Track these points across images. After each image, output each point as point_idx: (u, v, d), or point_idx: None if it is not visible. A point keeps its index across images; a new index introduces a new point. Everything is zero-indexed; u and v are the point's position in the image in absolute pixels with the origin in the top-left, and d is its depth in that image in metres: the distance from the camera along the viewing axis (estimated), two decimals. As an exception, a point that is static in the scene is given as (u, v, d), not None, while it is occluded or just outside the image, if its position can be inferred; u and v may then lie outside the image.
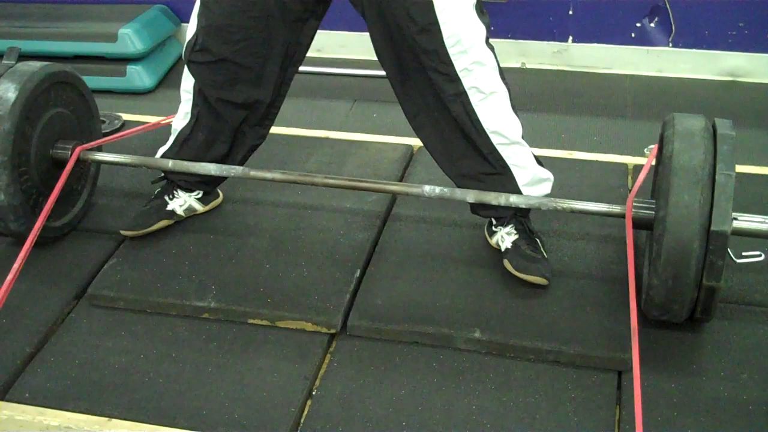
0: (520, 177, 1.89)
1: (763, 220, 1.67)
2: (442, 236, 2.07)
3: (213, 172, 1.95)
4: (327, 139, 2.58)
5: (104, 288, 1.91)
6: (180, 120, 2.05)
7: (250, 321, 1.83)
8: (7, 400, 1.65)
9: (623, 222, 1.73)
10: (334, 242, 2.04)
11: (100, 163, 2.13)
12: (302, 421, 1.60)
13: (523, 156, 1.89)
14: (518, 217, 1.93)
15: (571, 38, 3.35)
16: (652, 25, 3.25)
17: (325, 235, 2.07)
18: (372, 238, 2.06)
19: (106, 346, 1.78)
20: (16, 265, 1.75)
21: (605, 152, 2.50)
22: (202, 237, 2.07)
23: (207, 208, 2.16)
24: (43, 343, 1.79)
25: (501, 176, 1.88)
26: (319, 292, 1.86)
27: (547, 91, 3.23)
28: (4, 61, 1.96)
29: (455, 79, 1.77)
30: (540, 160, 1.95)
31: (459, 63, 1.76)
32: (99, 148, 2.11)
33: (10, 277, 1.74)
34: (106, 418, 1.60)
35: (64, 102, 2.03)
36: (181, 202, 2.10)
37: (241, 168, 1.96)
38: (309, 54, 1.97)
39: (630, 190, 1.90)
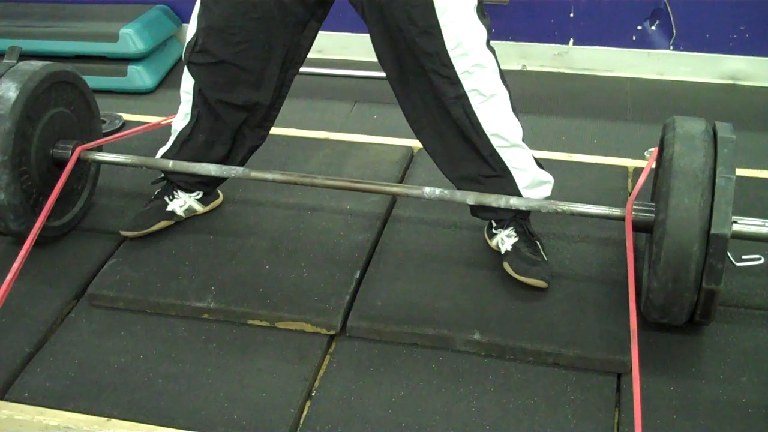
0: (521, 179, 1.89)
1: (763, 223, 1.67)
2: (442, 238, 2.07)
3: (213, 173, 1.95)
4: (327, 140, 2.58)
5: (104, 288, 1.91)
6: (180, 121, 2.05)
7: (250, 322, 1.83)
8: (7, 400, 1.65)
9: (623, 225, 1.73)
10: (334, 243, 2.04)
11: (100, 163, 2.13)
12: (301, 422, 1.60)
13: (524, 158, 1.89)
14: (518, 219, 1.93)
15: (572, 41, 3.35)
16: (653, 28, 3.26)
17: (325, 236, 2.07)
18: (372, 239, 2.06)
19: (106, 346, 1.78)
20: (15, 265, 1.75)
21: (605, 155, 2.50)
22: (202, 238, 2.07)
23: (207, 208, 2.16)
24: (43, 343, 1.79)
25: (501, 178, 1.88)
26: (318, 293, 1.86)
27: (547, 93, 3.23)
28: (6, 61, 1.97)
29: (456, 82, 1.77)
30: (540, 163, 1.95)
31: (460, 65, 1.76)
32: (99, 148, 2.11)
33: (9, 276, 1.74)
34: (106, 418, 1.60)
35: (65, 102, 2.03)
36: (181, 202, 2.10)
37: (242, 169, 1.96)
38: (310, 55, 1.97)
39: (630, 193, 1.91)
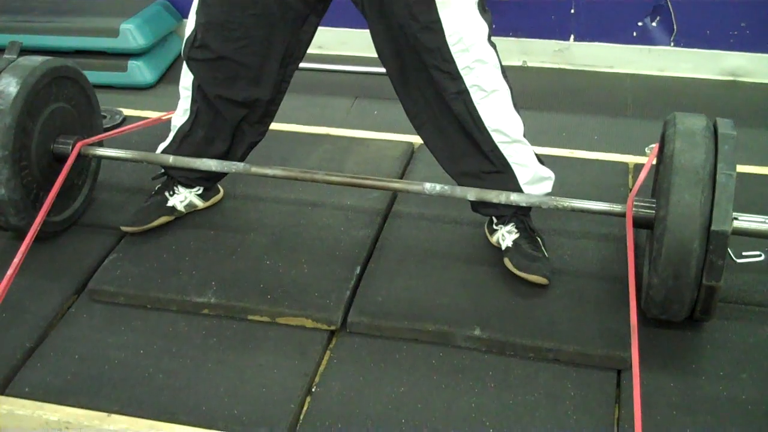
0: (521, 175, 1.89)
1: (763, 220, 1.67)
2: (443, 234, 2.07)
3: (214, 168, 1.95)
4: (328, 136, 2.58)
5: (104, 283, 1.91)
6: (179, 116, 2.05)
7: (250, 317, 1.83)
8: (7, 395, 1.65)
9: (624, 221, 1.73)
10: (335, 239, 2.04)
11: (100, 158, 2.13)
12: (302, 417, 1.60)
13: (525, 154, 1.89)
14: (519, 215, 1.93)
15: (572, 37, 3.35)
16: (654, 24, 3.25)
17: (326, 232, 2.07)
18: (372, 235, 2.06)
19: (106, 341, 1.78)
20: (16, 260, 1.75)
21: (606, 151, 2.50)
22: (202, 233, 2.07)
23: (207, 204, 2.16)
24: (43, 338, 1.79)
25: (502, 174, 1.88)
26: (319, 289, 1.86)
27: (548, 89, 3.23)
28: (6, 56, 1.96)
29: (457, 77, 1.77)
30: (541, 159, 1.95)
31: (461, 61, 1.76)
32: (100, 143, 2.10)
33: (10, 271, 1.74)
34: (106, 413, 1.61)
35: (66, 97, 2.03)
36: (182, 198, 2.10)
37: (242, 164, 1.95)
38: (310, 50, 1.97)
39: (631, 189, 1.91)
